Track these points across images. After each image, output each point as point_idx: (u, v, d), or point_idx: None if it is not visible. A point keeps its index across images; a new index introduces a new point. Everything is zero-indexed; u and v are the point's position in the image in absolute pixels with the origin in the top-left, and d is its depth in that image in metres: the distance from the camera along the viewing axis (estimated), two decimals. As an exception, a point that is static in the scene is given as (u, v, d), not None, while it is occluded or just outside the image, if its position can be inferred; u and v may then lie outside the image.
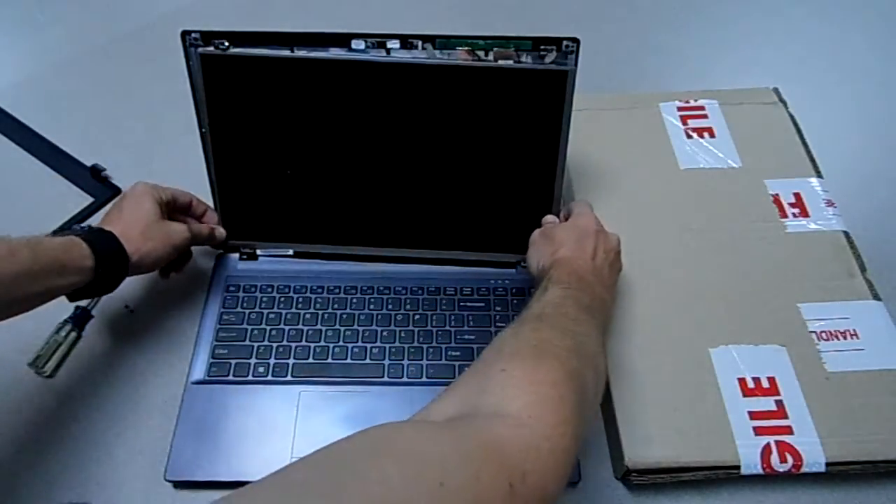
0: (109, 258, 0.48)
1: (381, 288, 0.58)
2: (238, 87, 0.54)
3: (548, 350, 0.37)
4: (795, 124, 0.67)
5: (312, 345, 0.55)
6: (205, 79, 0.53)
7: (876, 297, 0.55)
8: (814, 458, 0.47)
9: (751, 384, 0.50)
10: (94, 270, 0.47)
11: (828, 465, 0.47)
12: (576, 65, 0.53)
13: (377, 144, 0.56)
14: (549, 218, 0.57)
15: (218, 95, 0.54)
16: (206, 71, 0.53)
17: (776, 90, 0.69)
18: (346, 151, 0.56)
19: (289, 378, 0.54)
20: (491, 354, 0.38)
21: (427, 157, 0.56)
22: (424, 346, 0.55)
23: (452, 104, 0.54)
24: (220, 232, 0.59)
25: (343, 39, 0.53)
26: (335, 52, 0.53)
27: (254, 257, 0.61)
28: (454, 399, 0.35)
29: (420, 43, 0.52)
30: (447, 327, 0.56)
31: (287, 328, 0.56)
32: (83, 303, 0.58)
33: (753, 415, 0.49)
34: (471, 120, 0.54)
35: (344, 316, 0.57)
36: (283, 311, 0.57)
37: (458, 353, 0.55)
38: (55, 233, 0.50)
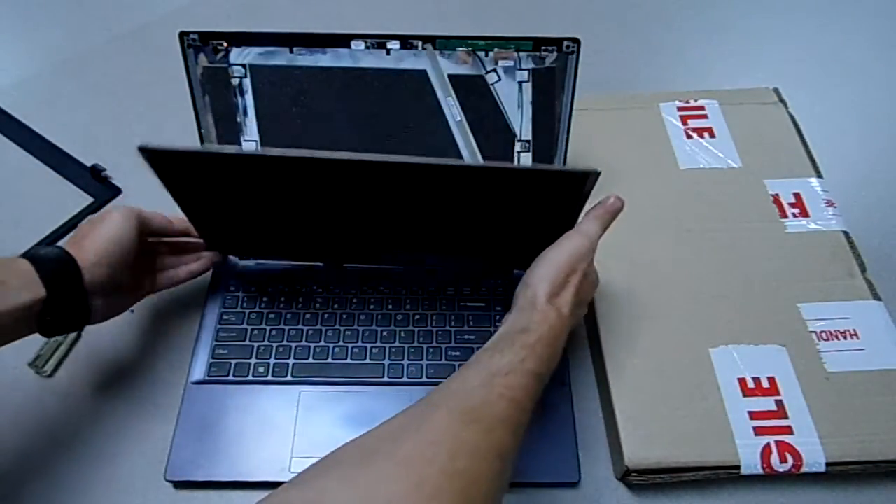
0: (57, 272, 0.44)
1: (381, 288, 0.58)
2: (197, 180, 0.46)
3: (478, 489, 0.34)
4: (795, 124, 0.67)
5: (312, 345, 0.55)
6: (156, 171, 0.44)
7: (876, 297, 0.55)
8: (814, 458, 0.47)
9: (751, 384, 0.50)
10: (43, 286, 0.43)
11: (828, 465, 0.47)
12: (576, 65, 0.53)
13: (368, 217, 0.49)
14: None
15: (173, 183, 0.47)
16: (155, 165, 0.43)
17: (776, 90, 0.69)
18: (329, 223, 0.51)
19: (289, 378, 0.54)
20: (443, 440, 0.35)
21: (431, 228, 0.51)
22: (424, 346, 0.55)
23: (459, 201, 0.46)
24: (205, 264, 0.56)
25: (343, 40, 0.53)
26: (305, 151, 0.40)
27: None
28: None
29: (420, 43, 0.53)
30: (447, 327, 0.56)
31: (287, 328, 0.56)
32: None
33: (753, 415, 0.49)
34: (481, 212, 0.48)
35: (344, 316, 0.57)
36: (284, 311, 0.57)
37: (458, 353, 0.55)
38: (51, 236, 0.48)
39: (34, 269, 0.44)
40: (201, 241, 0.55)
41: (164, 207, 0.66)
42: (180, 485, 0.50)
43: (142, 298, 0.54)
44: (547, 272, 0.45)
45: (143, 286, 0.53)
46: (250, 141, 0.57)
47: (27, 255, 0.45)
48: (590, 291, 0.49)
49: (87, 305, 0.47)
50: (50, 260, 0.45)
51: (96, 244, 0.47)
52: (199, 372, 0.54)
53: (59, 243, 0.48)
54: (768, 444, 0.48)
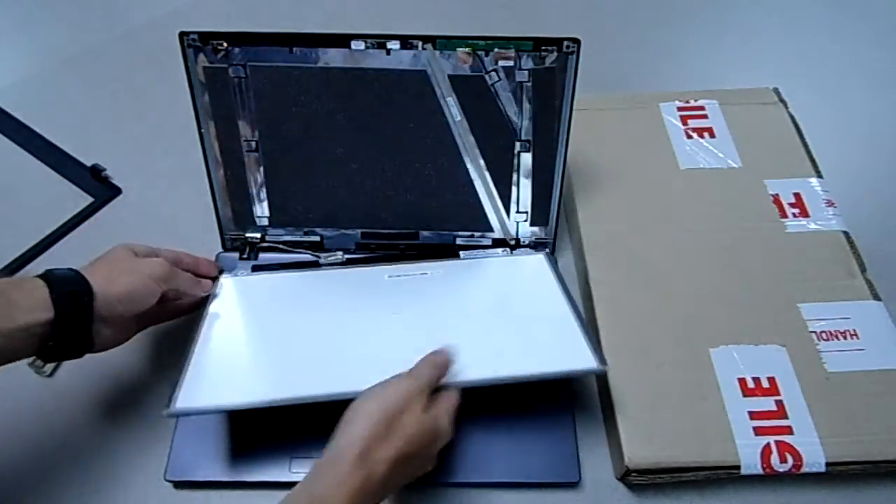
0: (70, 296, 0.43)
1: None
2: None
3: None
4: (795, 124, 0.67)
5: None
6: None
7: (876, 297, 0.55)
8: (814, 458, 0.47)
9: (751, 384, 0.50)
10: (53, 307, 0.42)
11: (828, 465, 0.47)
12: (576, 65, 0.53)
13: None
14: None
15: None
16: None
17: (776, 90, 0.69)
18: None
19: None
20: None
21: None
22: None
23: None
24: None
25: (342, 40, 0.53)
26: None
27: (255, 257, 0.61)
28: None
29: (420, 44, 0.53)
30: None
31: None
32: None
33: (753, 415, 0.49)
34: None
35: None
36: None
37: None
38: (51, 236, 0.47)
39: (48, 291, 0.42)
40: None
41: (164, 207, 0.66)
42: (180, 485, 0.50)
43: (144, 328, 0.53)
44: (363, 427, 0.39)
45: (147, 322, 0.52)
46: (250, 141, 0.57)
47: (43, 275, 0.44)
48: (429, 445, 0.41)
49: (91, 335, 0.45)
50: (66, 282, 0.43)
51: (122, 286, 0.46)
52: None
53: (86, 266, 0.47)
54: (768, 444, 0.48)
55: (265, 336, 0.52)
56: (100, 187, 0.68)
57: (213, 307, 0.54)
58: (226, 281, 0.58)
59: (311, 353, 0.50)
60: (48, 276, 0.44)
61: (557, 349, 0.49)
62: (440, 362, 0.45)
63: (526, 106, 0.55)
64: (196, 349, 0.50)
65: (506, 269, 0.59)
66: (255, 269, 0.60)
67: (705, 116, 0.67)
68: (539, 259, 0.59)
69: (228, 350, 0.50)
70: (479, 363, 0.47)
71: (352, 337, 0.51)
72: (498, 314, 0.54)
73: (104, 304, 0.45)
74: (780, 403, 0.49)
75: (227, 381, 0.48)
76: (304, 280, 0.58)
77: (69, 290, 0.43)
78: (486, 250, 0.61)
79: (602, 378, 0.53)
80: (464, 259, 0.60)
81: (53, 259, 0.63)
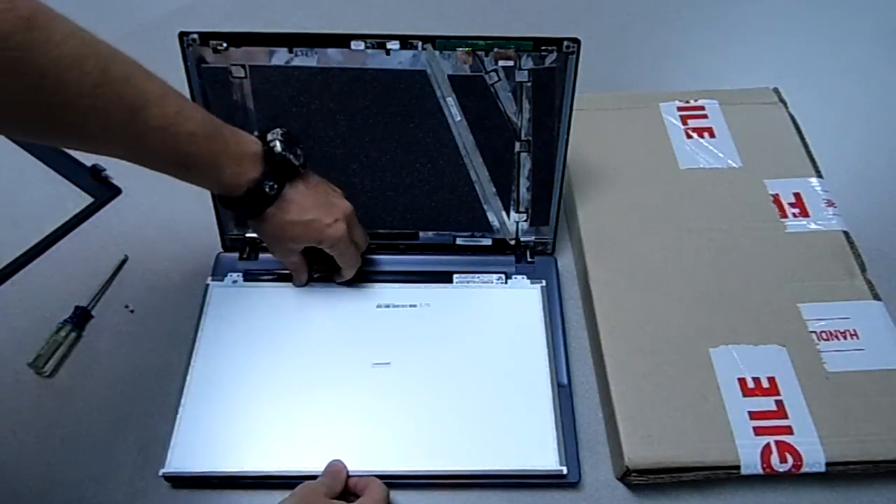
0: (259, 200, 0.49)
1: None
2: None
3: None
4: (795, 124, 0.67)
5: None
6: None
7: (876, 297, 0.55)
8: (814, 458, 0.47)
9: (751, 384, 0.50)
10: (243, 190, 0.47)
11: (828, 465, 0.47)
12: (576, 65, 0.53)
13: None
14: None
15: None
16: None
17: (776, 90, 0.69)
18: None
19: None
20: None
21: None
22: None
23: None
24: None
25: (343, 40, 0.53)
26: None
27: (255, 257, 0.61)
28: None
29: (420, 44, 0.53)
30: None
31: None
32: (83, 303, 0.58)
33: (753, 415, 0.49)
34: None
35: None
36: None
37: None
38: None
39: (258, 177, 0.48)
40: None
41: (164, 207, 0.66)
42: (179, 484, 0.50)
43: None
44: None
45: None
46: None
47: (272, 165, 0.49)
48: None
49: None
50: (269, 189, 0.49)
51: (293, 228, 0.51)
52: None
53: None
54: (768, 444, 0.48)
55: (251, 396, 0.52)
56: (100, 187, 0.68)
57: (201, 345, 0.54)
58: (216, 292, 0.58)
59: (294, 422, 0.51)
60: (271, 170, 0.49)
61: (521, 440, 0.50)
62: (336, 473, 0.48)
63: (526, 106, 0.55)
64: (183, 404, 0.52)
65: (494, 310, 0.57)
66: (248, 276, 0.59)
67: (705, 116, 0.67)
68: (533, 294, 0.58)
69: (215, 409, 0.52)
70: (434, 449, 0.50)
71: (330, 403, 0.52)
72: (471, 382, 0.53)
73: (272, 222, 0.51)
74: (780, 403, 0.49)
75: (217, 443, 0.50)
76: (291, 306, 0.57)
77: (264, 195, 0.49)
78: (479, 276, 0.59)
79: (602, 378, 0.53)
80: (456, 285, 0.59)
81: (53, 259, 0.63)
